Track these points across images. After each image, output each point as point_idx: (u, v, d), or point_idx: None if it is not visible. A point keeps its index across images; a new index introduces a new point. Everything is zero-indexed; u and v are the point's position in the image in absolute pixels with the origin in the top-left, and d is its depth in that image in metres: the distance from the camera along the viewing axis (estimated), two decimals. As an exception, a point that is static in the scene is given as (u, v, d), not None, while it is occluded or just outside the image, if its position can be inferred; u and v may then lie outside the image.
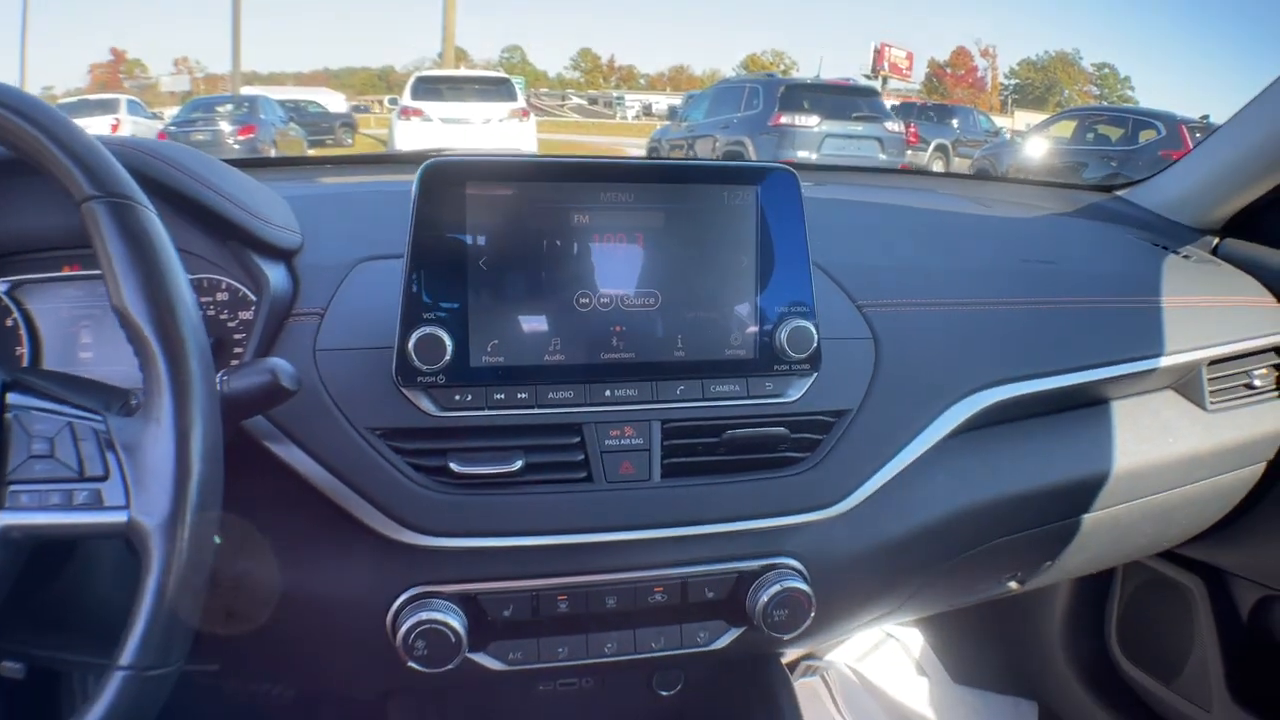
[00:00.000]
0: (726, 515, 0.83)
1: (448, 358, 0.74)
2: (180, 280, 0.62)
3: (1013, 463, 0.99)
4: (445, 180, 0.76)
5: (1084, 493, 1.03)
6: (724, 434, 0.82)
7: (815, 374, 0.84)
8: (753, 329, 0.82)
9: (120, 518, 0.56)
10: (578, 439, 0.80)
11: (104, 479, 0.57)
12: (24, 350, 0.84)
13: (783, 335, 0.83)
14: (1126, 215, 1.43)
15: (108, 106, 11.53)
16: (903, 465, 0.88)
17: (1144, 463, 1.05)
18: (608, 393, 0.80)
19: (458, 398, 0.77)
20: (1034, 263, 1.15)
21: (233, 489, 0.61)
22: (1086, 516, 1.05)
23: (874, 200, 1.48)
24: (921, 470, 0.89)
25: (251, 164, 1.32)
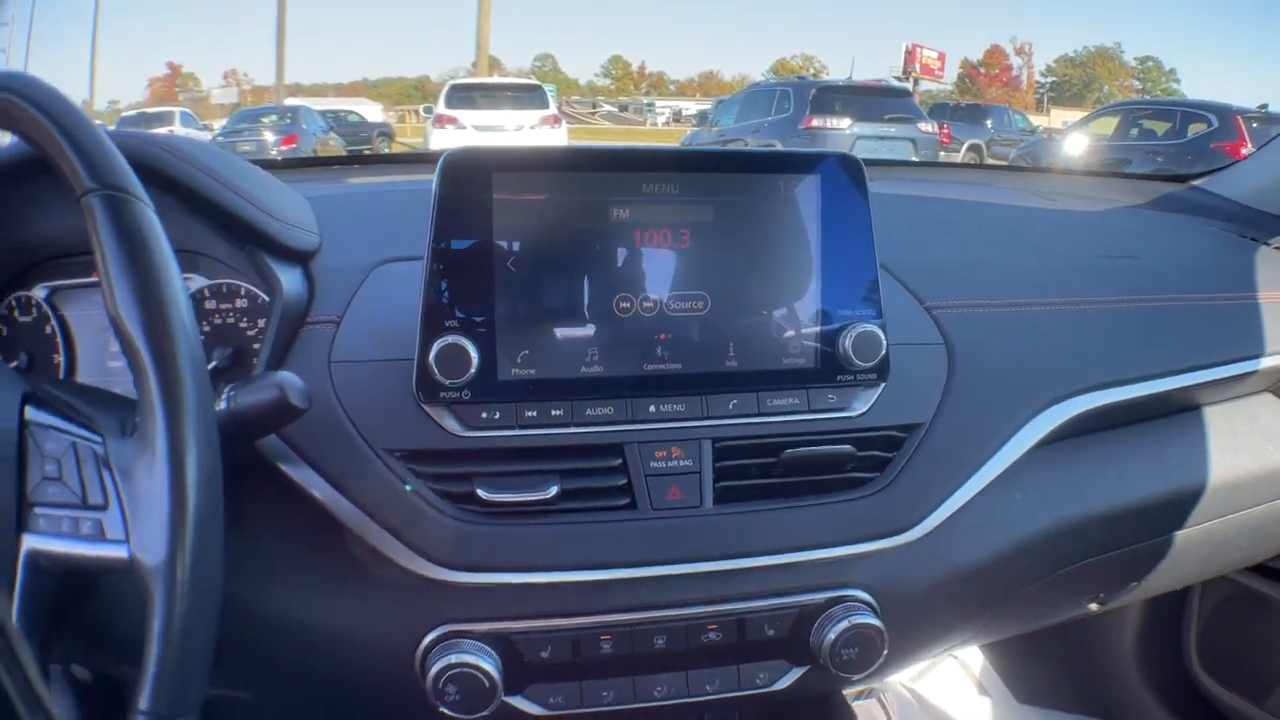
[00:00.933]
0: (787, 544, 0.75)
1: (473, 370, 0.67)
2: (175, 285, 0.56)
3: (1096, 478, 0.90)
4: (469, 172, 0.69)
5: (1175, 508, 0.94)
6: (783, 453, 0.75)
7: (883, 384, 0.77)
8: (813, 335, 0.74)
9: (122, 553, 0.52)
10: (619, 461, 0.72)
11: (104, 508, 0.54)
12: (60, 359, 0.82)
13: (847, 342, 0.75)
14: (1207, 206, 1.33)
15: (164, 119, 11.51)
16: (982, 484, 0.80)
17: (1241, 473, 0.96)
18: (652, 408, 0.73)
19: (485, 415, 0.70)
20: (1114, 258, 1.07)
21: (245, 513, 0.57)
22: (1178, 534, 0.96)
23: (930, 195, 1.37)
24: (999, 489, 0.81)
25: (276, 165, 1.26)
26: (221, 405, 0.59)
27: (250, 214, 0.76)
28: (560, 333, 0.71)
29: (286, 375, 0.61)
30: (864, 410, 0.77)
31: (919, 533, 0.77)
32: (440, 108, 10.73)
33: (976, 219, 1.22)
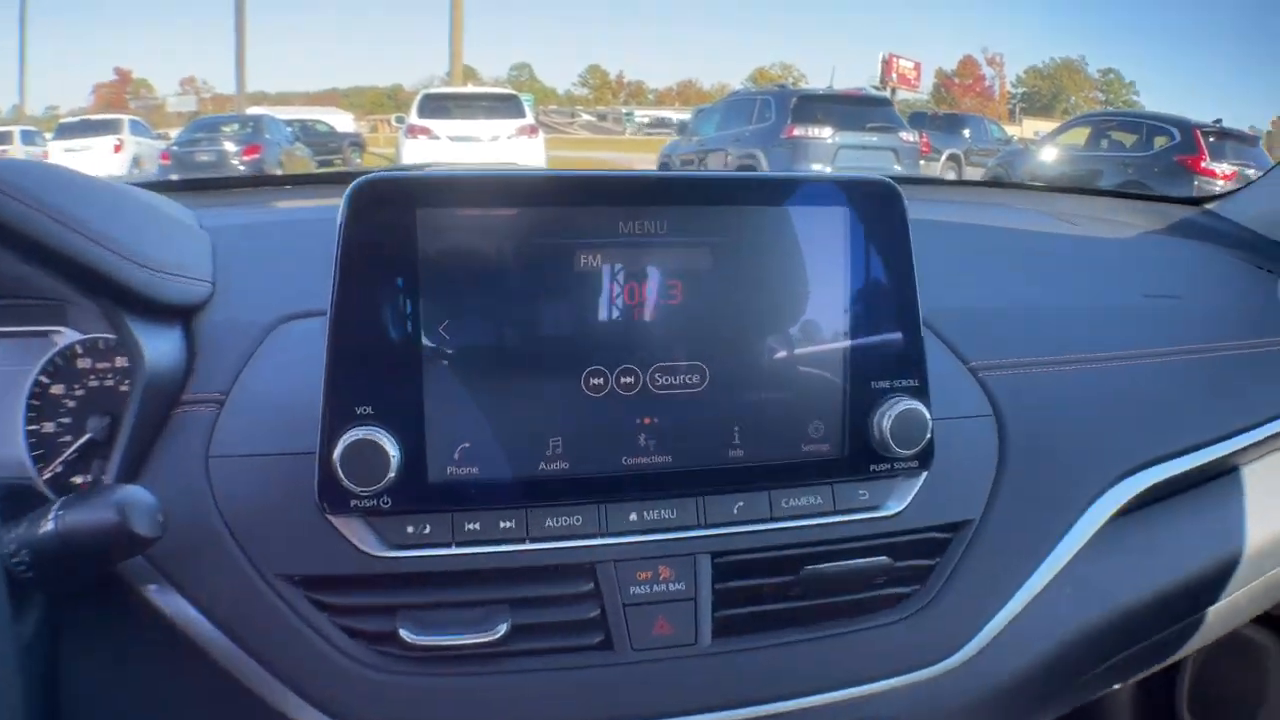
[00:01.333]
0: (806, 687, 0.61)
1: (394, 472, 0.53)
2: None
3: (1152, 556, 0.78)
4: (386, 207, 0.54)
5: (1220, 579, 0.85)
6: (801, 570, 0.61)
7: (925, 473, 0.64)
8: (840, 415, 0.61)
9: None
10: (590, 586, 0.58)
11: None
12: None
13: (884, 422, 0.60)
14: (1221, 233, 1.27)
15: (110, 127, 11.36)
16: (1038, 588, 0.68)
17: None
18: (633, 516, 0.59)
19: (411, 530, 0.56)
20: (1159, 298, 0.97)
21: (96, 647, 0.51)
22: (1217, 604, 0.87)
23: (943, 218, 1.22)
24: (1049, 585, 0.70)
25: (174, 187, 1.07)
26: (48, 525, 0.48)
27: (100, 260, 0.57)
28: (511, 419, 0.56)
29: (131, 493, 0.49)
30: (901, 508, 0.64)
31: (963, 657, 0.64)
32: (413, 118, 10.50)
33: (1004, 248, 1.07)
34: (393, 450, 0.53)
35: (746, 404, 0.59)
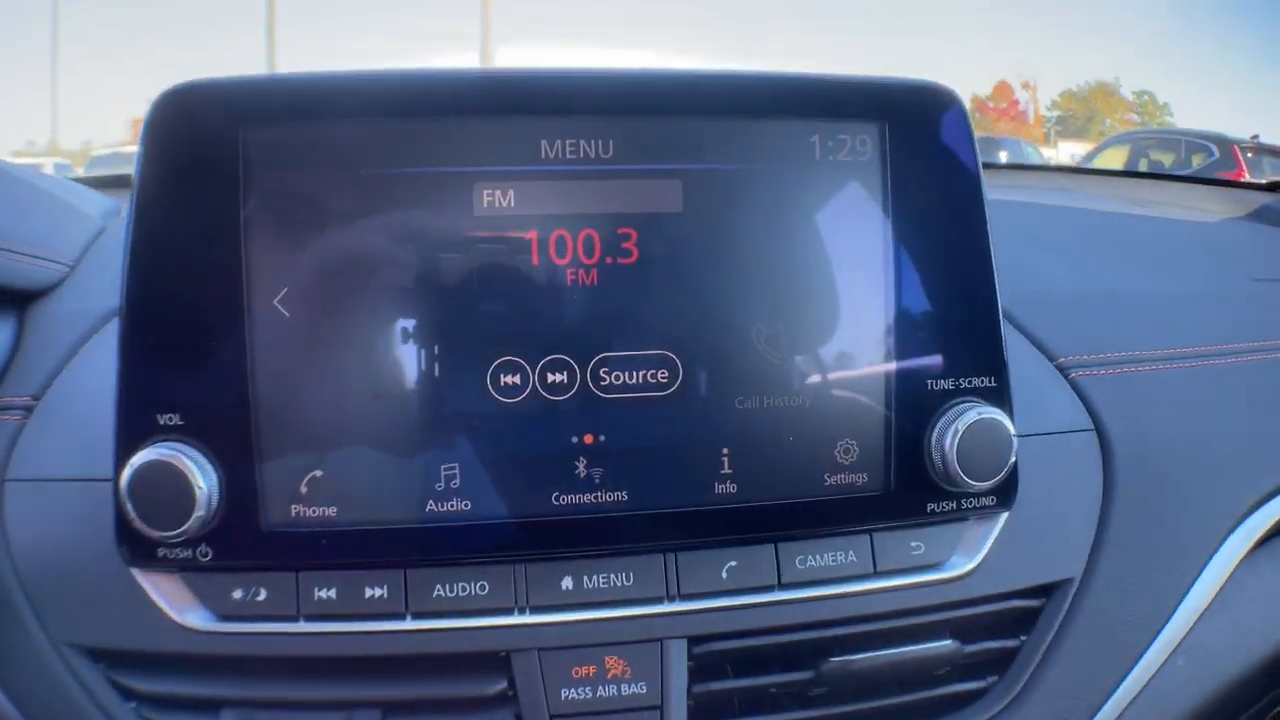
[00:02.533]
0: None
1: (207, 509, 0.38)
2: None
3: (1267, 609, 0.59)
4: (198, 126, 0.38)
5: None
6: (824, 662, 0.43)
7: (1005, 514, 0.46)
8: (881, 430, 0.42)
9: None
10: (500, 686, 0.41)
11: None
12: None
13: (948, 440, 0.42)
14: None
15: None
16: (1154, 667, 0.51)
17: None
18: (567, 583, 0.41)
19: (239, 595, 0.40)
20: (1268, 281, 0.79)
21: None
22: None
23: (1004, 198, 1.04)
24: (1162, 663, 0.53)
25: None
26: None
27: None
28: (384, 435, 0.39)
29: None
30: (971, 566, 0.46)
31: None
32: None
33: (1079, 229, 0.88)
34: (203, 477, 0.38)
35: (739, 414, 0.40)
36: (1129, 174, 1.97)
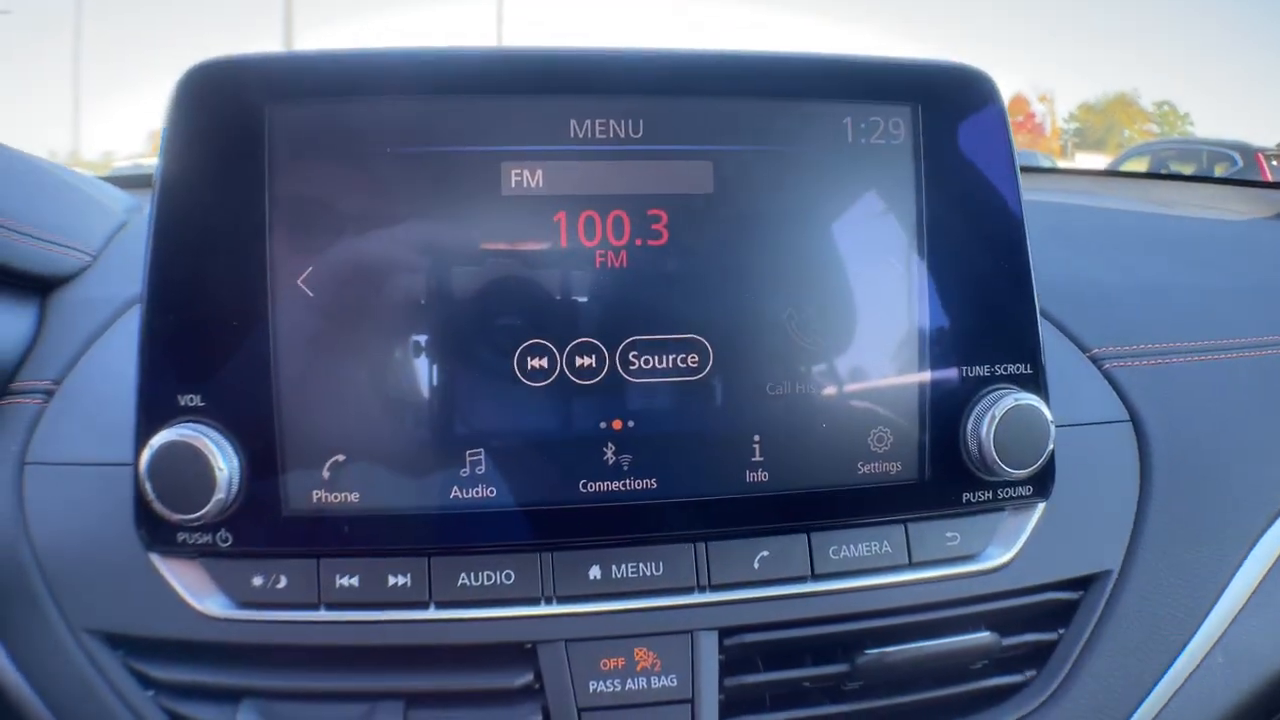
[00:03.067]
0: None
1: (227, 492, 0.37)
2: None
3: None
4: (225, 101, 0.38)
5: None
6: (859, 655, 0.41)
7: (1042, 505, 0.45)
8: (916, 417, 0.41)
9: None
10: (528, 678, 0.40)
11: None
12: None
13: (984, 427, 0.41)
14: None
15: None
16: (1195, 662, 0.50)
17: None
18: (595, 572, 0.40)
19: (259, 582, 0.39)
20: None
21: None
22: None
23: (1035, 200, 1.03)
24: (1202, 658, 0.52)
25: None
26: None
27: None
28: (409, 419, 0.38)
29: None
30: (1009, 557, 0.44)
31: None
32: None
33: (1108, 226, 0.86)
34: (223, 459, 0.36)
35: (770, 400, 0.39)
36: (1152, 175, 1.95)
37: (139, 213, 0.65)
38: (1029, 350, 0.42)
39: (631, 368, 0.38)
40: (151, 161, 0.45)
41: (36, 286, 0.52)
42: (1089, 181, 1.48)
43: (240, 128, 0.37)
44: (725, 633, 0.40)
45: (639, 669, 0.39)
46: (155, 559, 0.40)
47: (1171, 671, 0.49)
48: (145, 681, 0.41)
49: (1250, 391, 0.59)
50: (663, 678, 0.39)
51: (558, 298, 0.38)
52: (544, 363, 0.38)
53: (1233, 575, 0.52)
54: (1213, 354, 0.59)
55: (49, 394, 0.46)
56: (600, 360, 0.38)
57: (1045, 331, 0.54)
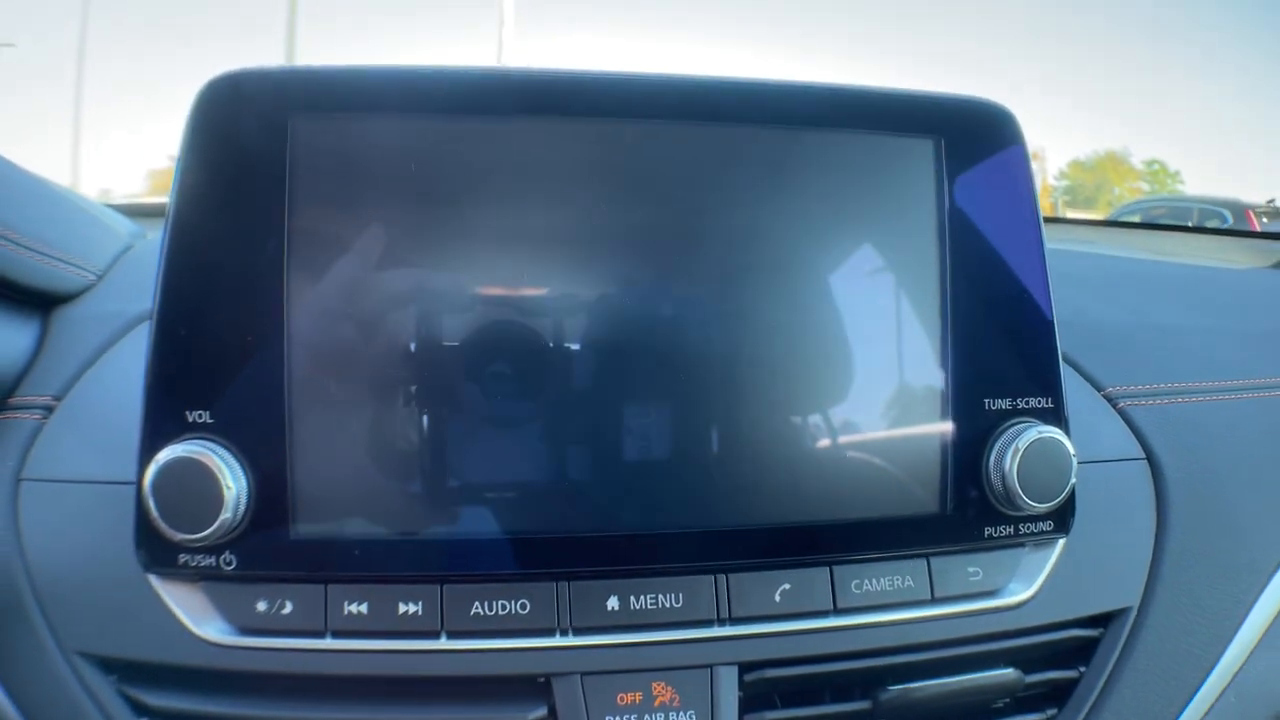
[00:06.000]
0: None
1: (233, 512, 0.36)
2: None
3: None
4: (246, 114, 0.38)
5: None
6: (881, 692, 0.41)
7: (1062, 540, 0.44)
8: (938, 449, 0.41)
9: None
10: (541, 712, 0.39)
11: None
12: None
13: (1007, 460, 0.40)
14: None
15: (161, 210, 12.18)
16: (1210, 701, 0.50)
17: None
18: (613, 603, 0.38)
19: (263, 607, 0.38)
20: None
21: None
22: None
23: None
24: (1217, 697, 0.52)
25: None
26: None
27: None
28: (423, 441, 0.37)
29: None
30: (1030, 593, 0.44)
31: None
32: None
33: (1110, 271, 0.86)
34: (232, 478, 0.35)
35: (792, 430, 0.38)
36: (1152, 226, 1.97)
37: (143, 238, 0.65)
38: (1051, 384, 0.42)
39: (652, 388, 0.38)
40: (150, 200, 0.45)
41: (40, 302, 0.52)
42: (1088, 231, 1.50)
43: (261, 141, 0.36)
44: (745, 667, 0.39)
45: (656, 704, 0.37)
46: (154, 581, 0.38)
47: (1188, 710, 0.48)
48: (139, 709, 0.40)
49: (1261, 431, 0.59)
50: (681, 714, 0.37)
51: (578, 317, 0.37)
52: (560, 388, 0.37)
53: (1248, 612, 0.52)
54: (1225, 394, 0.59)
55: (49, 410, 0.46)
56: (619, 379, 0.37)
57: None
